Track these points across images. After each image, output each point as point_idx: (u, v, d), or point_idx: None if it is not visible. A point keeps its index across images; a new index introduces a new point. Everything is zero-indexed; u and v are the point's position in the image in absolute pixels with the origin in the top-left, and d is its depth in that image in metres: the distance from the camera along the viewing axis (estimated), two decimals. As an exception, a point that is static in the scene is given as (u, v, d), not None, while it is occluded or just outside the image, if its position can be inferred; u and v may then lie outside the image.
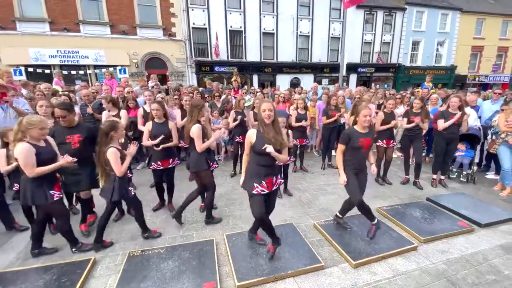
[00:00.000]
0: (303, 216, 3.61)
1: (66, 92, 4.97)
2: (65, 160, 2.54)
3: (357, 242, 2.91)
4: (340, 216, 3.23)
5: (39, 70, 11.55)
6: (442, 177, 4.69)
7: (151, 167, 3.59)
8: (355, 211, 3.69)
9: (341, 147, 2.94)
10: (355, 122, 2.95)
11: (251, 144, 2.47)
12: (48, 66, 11.90)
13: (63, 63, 12.22)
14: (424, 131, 4.64)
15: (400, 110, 5.52)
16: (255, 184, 2.44)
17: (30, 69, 11.48)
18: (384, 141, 4.56)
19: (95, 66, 12.72)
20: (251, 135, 2.46)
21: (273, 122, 2.39)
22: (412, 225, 3.27)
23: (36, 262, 2.66)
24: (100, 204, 3.89)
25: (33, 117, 2.49)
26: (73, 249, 2.80)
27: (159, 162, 3.50)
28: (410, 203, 3.96)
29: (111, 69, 10.85)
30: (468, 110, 4.96)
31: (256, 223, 2.75)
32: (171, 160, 3.56)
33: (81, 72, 12.51)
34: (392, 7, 18.41)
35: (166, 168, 3.56)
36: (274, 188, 2.57)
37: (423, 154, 5.97)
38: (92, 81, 12.66)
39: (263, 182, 2.45)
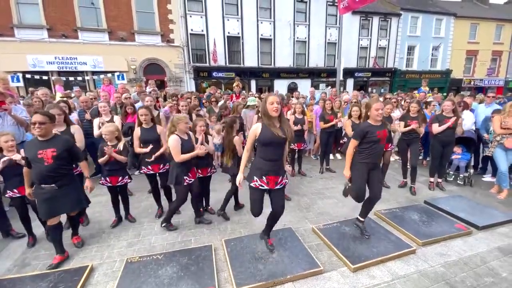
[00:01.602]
0: (301, 220, 3.61)
1: (64, 98, 4.96)
2: (199, 148, 3.20)
3: (355, 246, 2.91)
4: (361, 219, 3.13)
5: (36, 77, 11.56)
6: (439, 180, 4.72)
7: (141, 171, 3.60)
8: (352, 214, 3.70)
9: (353, 142, 2.89)
10: (367, 117, 2.95)
11: (255, 138, 2.43)
12: (46, 73, 11.92)
13: (61, 70, 12.24)
14: (421, 135, 4.69)
15: (396, 113, 5.57)
16: (255, 177, 2.46)
17: (28, 76, 11.49)
18: (382, 144, 4.59)
19: (93, 73, 12.75)
20: (256, 128, 2.41)
21: (280, 116, 2.39)
22: (410, 228, 3.28)
23: (33, 270, 2.64)
24: (95, 210, 3.89)
25: (180, 115, 3.29)
26: (197, 219, 3.50)
27: (149, 167, 3.50)
28: (408, 206, 3.97)
29: (109, 75, 10.90)
30: (466, 113, 5.02)
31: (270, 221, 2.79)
32: (161, 165, 3.54)
33: (79, 78, 12.53)
34: (387, 12, 18.70)
35: (159, 172, 3.56)
36: (277, 187, 2.51)
37: (420, 157, 6.01)
38: (90, 87, 12.68)
39: (264, 178, 2.44)
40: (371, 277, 2.49)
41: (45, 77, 11.81)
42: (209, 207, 3.86)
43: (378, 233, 3.16)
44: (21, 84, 11.15)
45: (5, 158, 2.81)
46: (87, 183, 2.94)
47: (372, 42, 18.85)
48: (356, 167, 2.94)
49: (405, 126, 4.51)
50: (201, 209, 3.77)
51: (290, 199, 4.22)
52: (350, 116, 4.58)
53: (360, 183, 2.91)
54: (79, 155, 2.82)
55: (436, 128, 4.35)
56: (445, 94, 10.33)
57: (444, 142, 4.41)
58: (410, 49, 20.00)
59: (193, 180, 3.23)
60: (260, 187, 2.46)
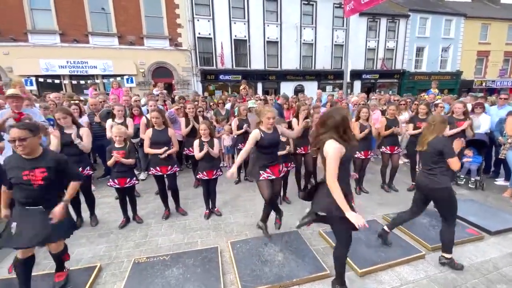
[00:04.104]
0: (308, 223, 3.58)
1: (76, 101, 5.09)
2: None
3: (363, 250, 2.87)
4: (388, 230, 2.97)
5: (49, 80, 11.88)
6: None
7: (150, 172, 3.67)
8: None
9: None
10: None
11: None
12: (58, 76, 12.23)
13: (73, 73, 12.52)
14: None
15: (405, 116, 5.49)
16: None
17: (41, 79, 11.82)
18: (388, 147, 4.52)
19: (103, 76, 13.01)
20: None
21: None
22: (419, 233, 3.21)
23: (43, 269, 2.69)
24: (104, 211, 3.95)
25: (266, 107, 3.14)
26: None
27: (157, 168, 3.57)
28: (417, 210, 3.89)
29: (118, 78, 11.10)
30: (483, 116, 4.88)
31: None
32: (169, 167, 3.60)
33: (90, 81, 12.78)
34: (395, 14, 18.52)
35: (167, 174, 3.62)
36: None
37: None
38: (101, 91, 12.93)
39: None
40: (379, 282, 2.45)
41: (57, 81, 12.12)
42: (216, 209, 3.88)
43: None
44: (34, 87, 11.47)
45: None
46: (57, 209, 2.15)
47: (380, 44, 18.67)
48: None
49: (414, 128, 4.44)
50: (207, 210, 3.80)
51: (290, 203, 4.19)
52: (358, 118, 4.52)
53: None
54: (73, 174, 2.33)
55: (446, 131, 4.26)
56: (456, 95, 10.14)
57: (454, 145, 4.31)
58: (419, 50, 19.72)
59: (274, 177, 3.01)
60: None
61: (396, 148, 4.55)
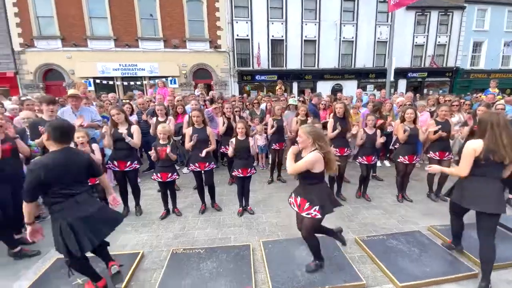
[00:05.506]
0: (343, 230, 3.43)
1: (127, 100, 5.61)
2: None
3: (404, 263, 2.68)
4: None
5: (104, 82, 13.27)
6: (510, 195, 4.05)
7: (189, 168, 3.87)
8: (401, 227, 3.43)
9: None
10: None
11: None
12: (112, 78, 13.58)
13: (124, 75, 13.81)
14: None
15: (456, 118, 4.96)
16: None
17: (97, 81, 13.23)
18: (437, 153, 4.13)
19: (150, 77, 14.07)
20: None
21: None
22: (471, 249, 2.88)
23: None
24: (147, 202, 4.25)
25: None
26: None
27: (196, 164, 3.76)
28: (469, 223, 3.48)
29: (163, 79, 11.91)
30: None
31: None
32: (207, 164, 3.78)
33: (138, 82, 13.95)
34: (449, 6, 16.78)
35: (204, 170, 3.80)
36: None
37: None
38: (147, 91, 14.01)
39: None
40: (422, 298, 2.26)
41: (110, 82, 13.47)
42: (248, 207, 3.95)
43: (432, 251, 2.86)
44: (92, 88, 12.87)
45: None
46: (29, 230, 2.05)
47: (429, 39, 17.08)
48: None
49: (471, 132, 3.99)
50: (240, 208, 3.89)
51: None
52: (403, 120, 4.19)
53: None
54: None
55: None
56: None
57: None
58: (476, 45, 17.60)
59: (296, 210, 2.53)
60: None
61: (446, 154, 4.13)
